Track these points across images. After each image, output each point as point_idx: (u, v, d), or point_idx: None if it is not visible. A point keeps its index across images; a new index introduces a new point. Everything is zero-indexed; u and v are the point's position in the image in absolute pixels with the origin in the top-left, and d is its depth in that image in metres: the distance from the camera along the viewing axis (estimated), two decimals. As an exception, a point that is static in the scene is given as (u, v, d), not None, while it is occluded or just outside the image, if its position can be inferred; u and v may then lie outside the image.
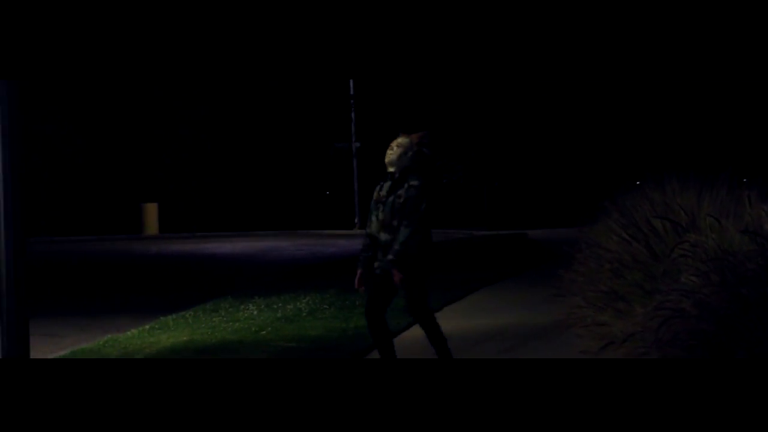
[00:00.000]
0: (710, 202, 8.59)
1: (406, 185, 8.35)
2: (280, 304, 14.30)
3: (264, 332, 11.79)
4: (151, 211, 42.64)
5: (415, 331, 11.93)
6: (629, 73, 7.12)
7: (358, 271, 8.48)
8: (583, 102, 44.26)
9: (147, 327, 12.64)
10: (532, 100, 43.78)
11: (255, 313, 13.58)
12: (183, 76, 7.18)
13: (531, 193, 46.27)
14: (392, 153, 8.48)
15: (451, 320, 12.35)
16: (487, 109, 44.22)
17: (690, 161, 14.36)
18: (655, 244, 8.03)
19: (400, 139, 8.58)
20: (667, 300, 5.69)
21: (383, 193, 8.47)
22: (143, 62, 6.97)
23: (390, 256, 8.23)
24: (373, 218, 8.47)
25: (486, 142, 44.90)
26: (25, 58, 7.01)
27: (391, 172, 8.48)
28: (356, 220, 40.98)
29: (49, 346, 11.69)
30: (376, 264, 8.42)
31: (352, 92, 42.14)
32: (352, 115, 42.44)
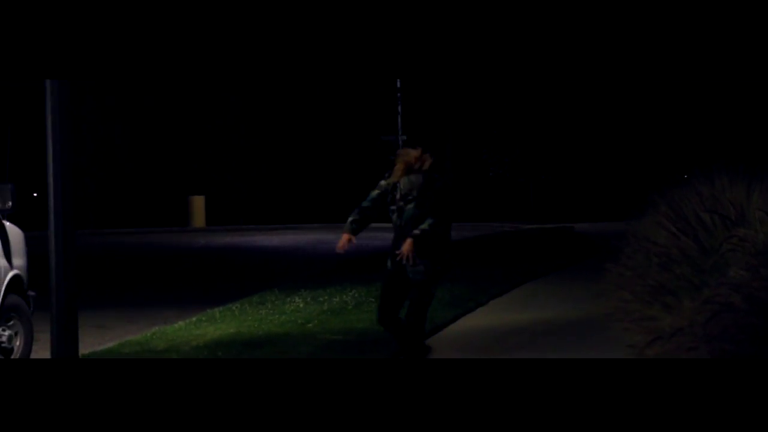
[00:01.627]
0: (760, 196, 8.50)
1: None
2: (326, 297, 14.32)
3: (310, 325, 11.81)
4: (198, 203, 42.86)
5: (460, 325, 11.93)
6: (680, 67, 7.06)
7: (347, 235, 8.51)
8: (632, 95, 43.97)
9: (194, 319, 12.71)
10: (580, 93, 43.54)
11: (301, 305, 13.61)
12: (232, 71, 7.21)
13: (578, 186, 46.04)
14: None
15: (498, 313, 12.32)
16: (534, 102, 44.04)
17: (740, 154, 14.23)
18: (704, 238, 7.95)
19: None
20: (716, 294, 5.64)
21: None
22: (186, 58, 7.00)
23: (416, 232, 8.24)
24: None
25: (533, 135, 44.74)
26: (74, 59, 7.07)
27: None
28: (402, 214, 40.93)
29: (97, 337, 11.79)
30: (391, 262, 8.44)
31: (398, 86, 42.14)
32: (399, 108, 42.43)
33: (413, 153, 8.50)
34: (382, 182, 8.60)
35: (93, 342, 11.26)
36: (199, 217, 42.58)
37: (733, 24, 6.70)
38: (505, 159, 45.12)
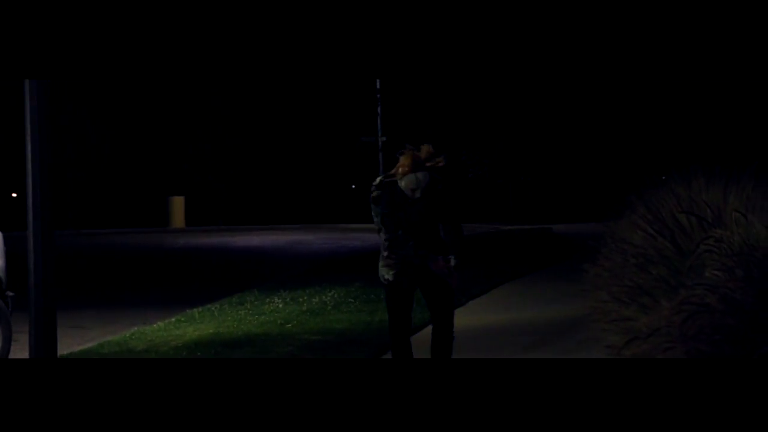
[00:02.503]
0: (736, 197, 8.56)
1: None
2: (305, 298, 14.34)
3: (289, 325, 11.83)
4: (178, 204, 42.81)
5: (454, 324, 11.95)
6: (657, 68, 7.11)
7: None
8: (609, 96, 44.12)
9: (173, 320, 12.71)
10: (558, 95, 43.67)
11: (280, 306, 13.63)
12: (209, 73, 7.22)
13: (557, 187, 46.18)
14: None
15: (476, 314, 12.36)
16: (513, 104, 44.14)
17: (716, 156, 14.31)
18: (681, 239, 8.00)
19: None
20: (693, 295, 5.67)
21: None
22: (168, 60, 7.01)
23: (454, 261, 7.48)
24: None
25: (512, 137, 44.84)
26: (54, 59, 7.07)
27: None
28: (382, 214, 40.97)
29: (76, 338, 11.77)
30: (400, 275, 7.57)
31: (378, 87, 42.17)
32: (379, 109, 42.47)
33: (425, 148, 7.61)
34: (376, 194, 7.58)
35: (72, 342, 11.25)
36: (178, 218, 42.52)
37: (709, 27, 6.75)
38: (485, 160, 45.20)
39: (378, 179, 7.64)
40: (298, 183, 46.01)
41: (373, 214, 7.55)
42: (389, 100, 42.91)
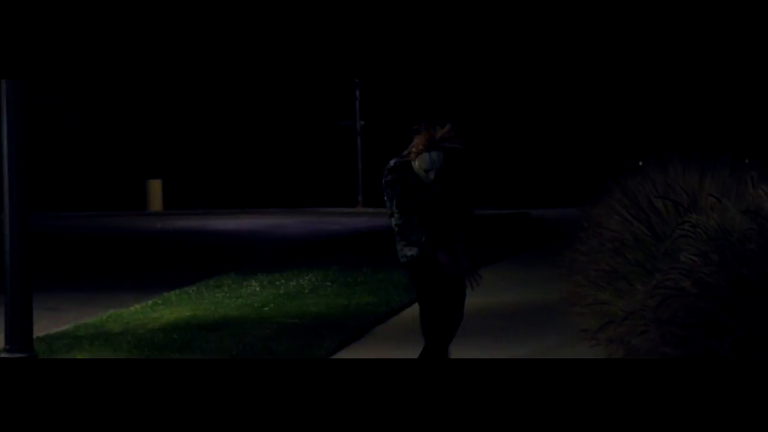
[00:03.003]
0: (712, 183, 8.62)
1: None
2: (282, 281, 14.34)
3: (266, 308, 11.83)
4: (156, 187, 42.70)
5: (416, 309, 11.96)
6: (634, 53, 7.14)
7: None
8: (587, 82, 44.19)
9: (150, 302, 12.69)
10: (537, 78, 43.71)
11: (258, 289, 13.62)
12: (188, 58, 7.19)
13: (534, 172, 46.26)
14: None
15: (453, 298, 12.38)
16: (491, 87, 44.18)
17: (693, 142, 14.37)
18: (657, 224, 8.06)
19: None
20: (667, 279, 5.72)
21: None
22: (146, 53, 6.98)
23: (468, 255, 7.18)
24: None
25: (490, 120, 44.87)
26: (30, 60, 7.03)
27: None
28: (359, 198, 41.01)
29: (52, 320, 11.74)
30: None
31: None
32: (357, 93, 42.41)
33: (444, 128, 7.11)
34: (389, 178, 7.09)
35: (48, 324, 11.21)
36: (156, 201, 42.42)
37: (684, 14, 6.77)
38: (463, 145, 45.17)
39: (392, 162, 7.14)
40: (276, 167, 45.93)
41: (385, 198, 7.10)
42: (368, 84, 42.87)
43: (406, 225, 7.02)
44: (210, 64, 7.17)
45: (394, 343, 9.71)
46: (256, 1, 6.87)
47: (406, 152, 7.11)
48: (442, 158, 7.01)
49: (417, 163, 7.02)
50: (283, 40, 6.95)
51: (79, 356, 9.17)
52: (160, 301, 12.76)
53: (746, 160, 9.61)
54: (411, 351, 9.32)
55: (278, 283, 14.18)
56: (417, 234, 7.01)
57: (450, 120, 7.13)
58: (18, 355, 7.76)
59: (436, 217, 7.07)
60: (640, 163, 12.25)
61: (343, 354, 9.20)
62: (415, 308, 11.63)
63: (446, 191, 7.07)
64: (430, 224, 7.03)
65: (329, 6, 6.81)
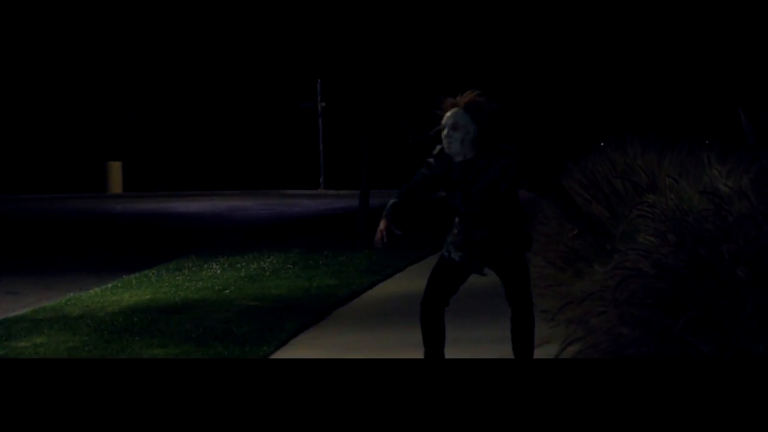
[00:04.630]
0: (671, 163, 8.68)
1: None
2: (243, 264, 14.31)
3: (227, 291, 11.80)
4: (115, 169, 42.45)
5: (378, 291, 11.97)
6: (592, 36, 7.17)
7: (386, 223, 6.39)
8: (546, 63, 44.30)
9: (110, 286, 12.63)
10: (497, 58, 43.76)
11: (218, 272, 13.59)
12: (148, 38, 7.14)
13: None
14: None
15: (414, 280, 12.41)
16: (452, 68, 44.17)
17: (652, 123, 14.44)
18: (616, 205, 8.11)
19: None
20: (626, 260, 5.74)
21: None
22: (106, 32, 6.91)
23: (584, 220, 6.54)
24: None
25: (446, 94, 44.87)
26: None
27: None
28: (321, 180, 40.97)
29: (11, 303, 11.66)
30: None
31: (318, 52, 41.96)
32: (318, 77, 42.30)
33: (468, 94, 6.47)
34: (431, 159, 6.48)
35: (7, 308, 11.15)
36: (116, 183, 42.18)
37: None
38: (423, 126, 45.24)
39: (437, 148, 6.50)
40: (237, 149, 45.76)
41: (420, 172, 6.47)
42: (328, 64, 42.75)
43: (462, 222, 6.45)
44: (172, 47, 7.08)
45: (356, 326, 9.72)
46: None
47: (436, 153, 6.47)
48: (469, 120, 6.30)
49: (444, 141, 6.33)
50: (246, 24, 6.92)
51: (38, 340, 9.11)
52: (119, 284, 12.71)
53: (706, 142, 9.68)
54: (372, 333, 9.33)
55: (239, 265, 14.16)
56: (473, 235, 6.42)
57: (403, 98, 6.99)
58: (-25, 340, 7.69)
59: (484, 212, 6.40)
60: (602, 144, 12.30)
61: (304, 336, 9.19)
62: (376, 290, 11.64)
63: (495, 185, 6.33)
64: (480, 220, 6.40)
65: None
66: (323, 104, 42.26)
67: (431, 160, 6.44)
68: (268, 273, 13.36)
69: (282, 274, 13.28)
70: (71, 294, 12.08)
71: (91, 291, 12.24)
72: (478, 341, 8.32)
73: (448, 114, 6.36)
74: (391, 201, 6.46)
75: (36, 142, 45.26)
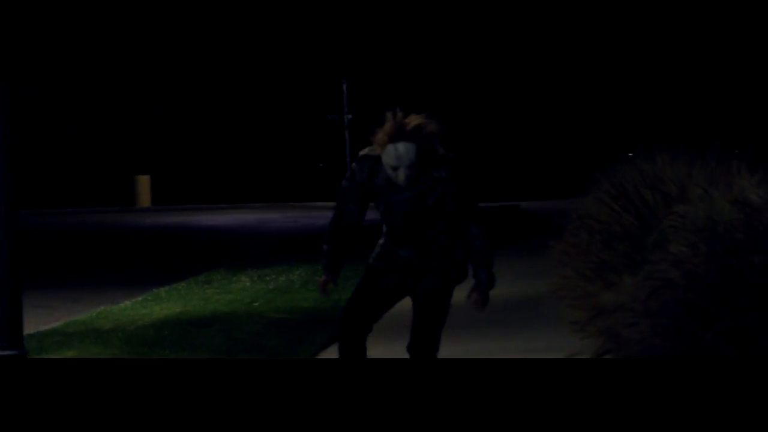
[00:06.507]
0: (700, 173, 8.64)
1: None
2: (272, 276, 14.34)
3: (257, 304, 11.83)
4: (144, 183, 42.65)
5: (404, 303, 11.97)
6: (621, 45, 7.17)
7: (324, 277, 5.94)
8: (575, 73, 44.25)
9: (140, 299, 12.68)
10: (524, 70, 43.74)
11: (248, 284, 13.63)
12: (175, 53, 7.19)
13: (523, 164, 46.31)
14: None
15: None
16: (480, 79, 44.19)
17: (681, 133, 14.40)
18: (645, 215, 8.08)
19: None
20: (656, 270, 5.72)
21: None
22: (134, 51, 6.97)
23: (485, 285, 5.66)
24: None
25: (478, 113, 44.90)
26: (10, 61, 7.00)
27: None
28: (348, 192, 40.99)
29: (43, 317, 11.73)
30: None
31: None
32: (344, 87, 42.40)
33: (418, 117, 5.58)
34: (354, 165, 5.71)
35: (38, 322, 11.20)
36: (144, 197, 42.37)
37: (672, 7, 6.80)
38: (451, 137, 45.21)
39: (363, 151, 5.73)
40: (264, 161, 45.89)
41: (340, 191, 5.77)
42: (355, 77, 42.83)
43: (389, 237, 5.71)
44: (199, 61, 7.12)
45: (385, 338, 9.72)
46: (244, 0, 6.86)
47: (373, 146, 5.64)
48: (414, 153, 5.44)
49: (383, 159, 5.51)
50: (272, 38, 6.96)
51: (69, 353, 9.16)
52: (149, 298, 12.76)
53: (735, 151, 9.64)
54: (401, 344, 9.33)
55: (268, 278, 14.19)
56: (400, 253, 5.66)
57: (438, 113, 6.31)
58: (8, 353, 7.74)
59: (411, 235, 5.62)
60: (629, 155, 12.26)
61: (333, 348, 9.19)
62: (402, 303, 11.69)
63: (422, 199, 5.54)
64: (407, 243, 5.63)
65: (317, 3, 6.80)
66: (350, 116, 42.33)
67: (354, 165, 5.68)
68: (297, 285, 13.39)
69: (311, 286, 13.29)
70: (102, 307, 12.13)
71: (122, 304, 12.30)
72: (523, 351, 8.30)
73: (400, 150, 5.45)
74: (324, 247, 5.81)
75: (65, 157, 45.55)
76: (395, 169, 5.47)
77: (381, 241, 5.79)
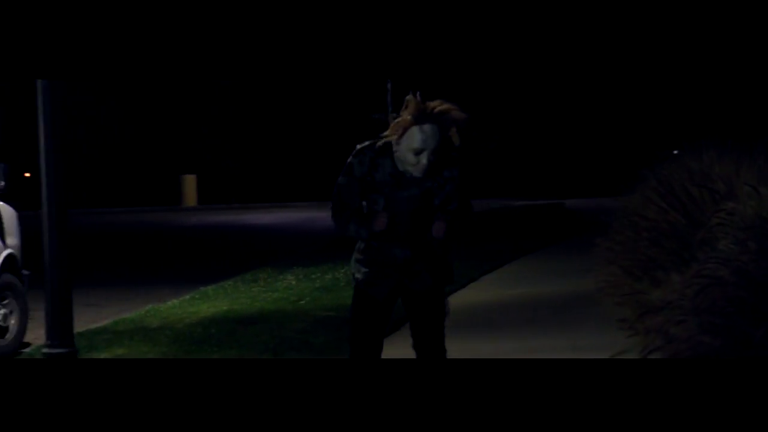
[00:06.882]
0: (748, 171, 8.57)
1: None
2: (318, 274, 14.38)
3: (303, 302, 11.87)
4: (190, 182, 42.89)
5: (452, 301, 11.96)
6: (670, 42, 7.12)
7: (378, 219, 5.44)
8: (622, 70, 44.00)
9: (187, 297, 12.77)
10: (572, 68, 43.54)
11: (294, 283, 13.68)
12: (217, 69, 7.23)
13: (569, 162, 46.12)
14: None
15: (489, 289, 12.40)
16: (525, 77, 44.05)
17: (728, 130, 14.29)
18: (693, 213, 8.03)
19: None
20: (705, 268, 5.69)
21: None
22: (179, 57, 7.02)
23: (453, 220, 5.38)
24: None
25: (524, 111, 44.78)
26: (66, 60, 7.08)
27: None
28: (393, 191, 41.00)
29: (92, 315, 11.84)
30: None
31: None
32: (388, 85, 42.41)
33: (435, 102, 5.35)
34: (352, 160, 5.48)
35: (87, 320, 11.31)
36: (191, 196, 42.60)
37: (715, 4, 6.75)
38: (495, 136, 45.14)
39: (362, 144, 5.52)
40: (309, 160, 46.01)
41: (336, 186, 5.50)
42: (399, 75, 42.81)
43: (378, 238, 5.41)
44: (242, 61, 7.16)
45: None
46: (287, 1, 6.90)
47: (387, 132, 5.40)
48: (438, 135, 5.20)
49: (403, 144, 5.27)
50: (318, 37, 6.98)
51: (118, 351, 9.25)
52: (197, 296, 12.84)
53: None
54: (447, 344, 9.33)
55: (314, 276, 14.23)
56: (391, 252, 5.37)
57: (485, 111, 6.14)
58: (59, 351, 7.84)
59: (413, 231, 5.38)
60: (675, 152, 12.18)
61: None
62: (450, 300, 11.67)
63: (431, 193, 5.33)
64: (405, 239, 5.39)
65: (359, 3, 6.82)
66: (394, 115, 42.27)
67: (352, 159, 5.43)
68: (342, 283, 13.42)
69: (356, 284, 13.32)
70: (150, 305, 12.23)
71: (169, 302, 12.39)
72: (550, 350, 8.29)
73: (427, 131, 5.22)
74: (342, 224, 5.47)
75: (114, 158, 45.91)
76: (419, 153, 5.21)
77: (361, 246, 5.50)
